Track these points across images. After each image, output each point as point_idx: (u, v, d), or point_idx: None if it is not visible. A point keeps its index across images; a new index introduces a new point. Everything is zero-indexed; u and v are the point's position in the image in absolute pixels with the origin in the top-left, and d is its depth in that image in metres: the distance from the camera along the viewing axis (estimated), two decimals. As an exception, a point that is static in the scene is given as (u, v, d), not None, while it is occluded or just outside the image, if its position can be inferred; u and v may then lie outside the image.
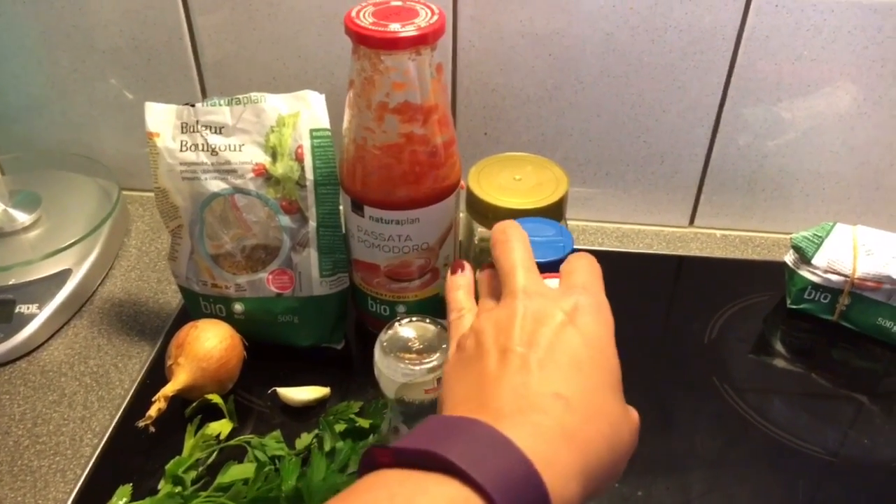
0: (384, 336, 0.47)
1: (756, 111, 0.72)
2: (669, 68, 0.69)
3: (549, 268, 0.50)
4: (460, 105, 0.74)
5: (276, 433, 0.54)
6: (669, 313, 0.71)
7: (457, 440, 0.28)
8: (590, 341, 0.35)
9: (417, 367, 0.45)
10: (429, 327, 0.48)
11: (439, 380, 0.44)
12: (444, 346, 0.45)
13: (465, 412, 0.32)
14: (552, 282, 0.40)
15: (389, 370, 0.45)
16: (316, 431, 0.54)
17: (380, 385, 0.47)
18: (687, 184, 0.77)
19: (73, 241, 0.68)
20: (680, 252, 0.78)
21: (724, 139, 0.74)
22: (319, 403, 0.58)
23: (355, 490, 0.27)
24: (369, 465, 0.30)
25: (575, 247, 0.52)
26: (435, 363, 0.45)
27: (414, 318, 0.48)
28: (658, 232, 0.80)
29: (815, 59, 0.68)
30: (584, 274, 0.39)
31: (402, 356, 0.46)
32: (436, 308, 0.58)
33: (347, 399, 0.57)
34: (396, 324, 0.48)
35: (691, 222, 0.80)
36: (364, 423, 0.54)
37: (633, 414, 0.36)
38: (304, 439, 0.54)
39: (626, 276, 0.71)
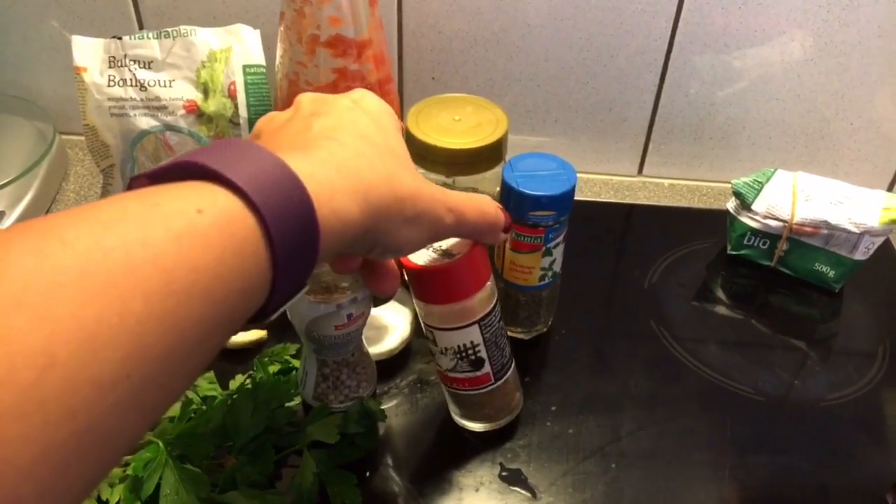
0: None
1: (704, 58, 0.71)
2: (617, 11, 0.68)
3: (556, 202, 0.50)
4: (407, 48, 0.72)
5: (210, 374, 0.54)
6: (617, 261, 0.71)
7: (211, 151, 0.27)
8: (373, 117, 0.35)
9: (323, 305, 0.44)
10: None
11: (349, 315, 0.44)
12: (350, 282, 0.44)
13: None
14: None
15: (297, 305, 0.44)
16: (250, 373, 0.54)
17: (292, 321, 0.47)
18: (635, 132, 0.77)
19: (4, 182, 0.66)
20: (628, 201, 0.78)
21: (672, 87, 0.73)
22: (256, 346, 0.58)
23: (83, 206, 0.25)
24: None
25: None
26: (344, 300, 0.44)
27: None
28: (607, 181, 0.80)
29: (761, 3, 0.67)
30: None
31: (310, 293, 0.45)
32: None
33: (284, 341, 0.56)
34: None
35: (640, 171, 0.80)
36: (298, 363, 0.54)
37: (434, 189, 0.36)
38: (238, 380, 0.53)
39: (574, 224, 0.71)
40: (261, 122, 0.37)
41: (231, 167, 0.26)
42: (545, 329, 0.60)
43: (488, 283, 0.46)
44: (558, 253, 0.54)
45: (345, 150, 0.32)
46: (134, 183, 0.28)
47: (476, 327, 0.46)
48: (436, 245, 0.44)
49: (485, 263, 0.45)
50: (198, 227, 0.25)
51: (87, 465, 0.21)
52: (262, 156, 0.28)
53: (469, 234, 0.42)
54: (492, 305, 0.47)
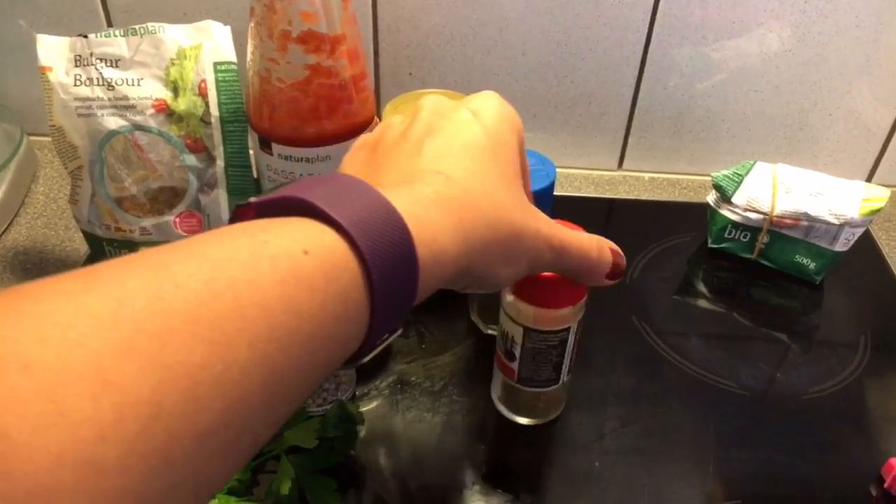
0: None
1: (682, 51, 0.71)
2: (594, 3, 0.68)
3: (536, 198, 0.49)
4: (382, 43, 0.71)
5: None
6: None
7: (318, 186, 0.27)
8: (490, 134, 0.34)
9: None
10: None
11: None
12: None
13: None
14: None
15: None
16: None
17: None
18: (614, 126, 0.76)
19: (-29, 186, 0.64)
20: (608, 195, 0.77)
21: (650, 79, 0.73)
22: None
23: (192, 240, 0.24)
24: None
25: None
26: None
27: None
28: (587, 175, 0.80)
29: (738, -6, 0.67)
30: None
31: None
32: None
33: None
34: None
35: (620, 165, 0.80)
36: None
37: (540, 225, 0.35)
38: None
39: (554, 219, 0.71)
40: (380, 130, 0.36)
41: (338, 207, 0.26)
42: (526, 326, 0.60)
43: None
44: (538, 249, 0.54)
45: (451, 188, 0.31)
46: (240, 213, 0.28)
47: (574, 326, 0.47)
48: None
49: None
50: (303, 269, 0.24)
51: None
52: (368, 195, 0.27)
53: (565, 273, 0.40)
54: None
